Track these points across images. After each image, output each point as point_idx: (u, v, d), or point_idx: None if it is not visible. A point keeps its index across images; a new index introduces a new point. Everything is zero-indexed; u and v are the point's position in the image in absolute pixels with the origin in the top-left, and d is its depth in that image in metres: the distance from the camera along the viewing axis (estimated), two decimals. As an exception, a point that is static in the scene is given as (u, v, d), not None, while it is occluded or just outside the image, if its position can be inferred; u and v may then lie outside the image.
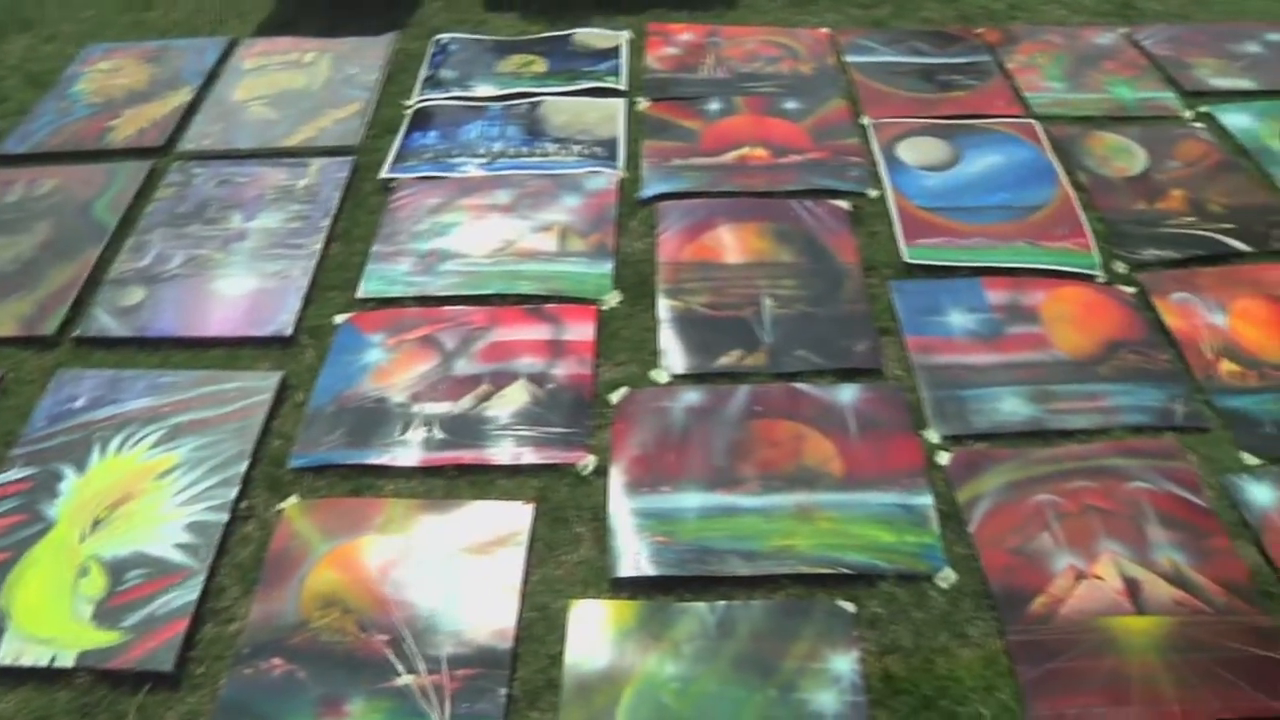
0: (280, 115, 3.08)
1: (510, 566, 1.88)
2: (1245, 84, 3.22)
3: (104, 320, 2.41)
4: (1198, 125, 3.03)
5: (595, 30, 3.41)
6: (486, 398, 2.17)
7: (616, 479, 2.01)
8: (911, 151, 2.87)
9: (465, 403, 2.17)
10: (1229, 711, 1.71)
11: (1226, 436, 2.16)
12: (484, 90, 3.13)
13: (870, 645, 1.78)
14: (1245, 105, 3.11)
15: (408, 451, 2.08)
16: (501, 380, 2.21)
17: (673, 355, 2.26)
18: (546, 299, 2.40)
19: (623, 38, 3.36)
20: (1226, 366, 2.29)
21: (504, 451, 2.07)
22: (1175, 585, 1.87)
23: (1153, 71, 3.26)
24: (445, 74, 3.22)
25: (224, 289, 2.48)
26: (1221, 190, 2.77)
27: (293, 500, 2.01)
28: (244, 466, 2.07)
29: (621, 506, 1.96)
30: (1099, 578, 1.88)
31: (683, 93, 3.10)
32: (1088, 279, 2.49)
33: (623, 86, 3.13)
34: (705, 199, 2.67)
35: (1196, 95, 3.16)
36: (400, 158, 2.86)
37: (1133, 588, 1.86)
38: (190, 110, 3.13)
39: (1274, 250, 2.59)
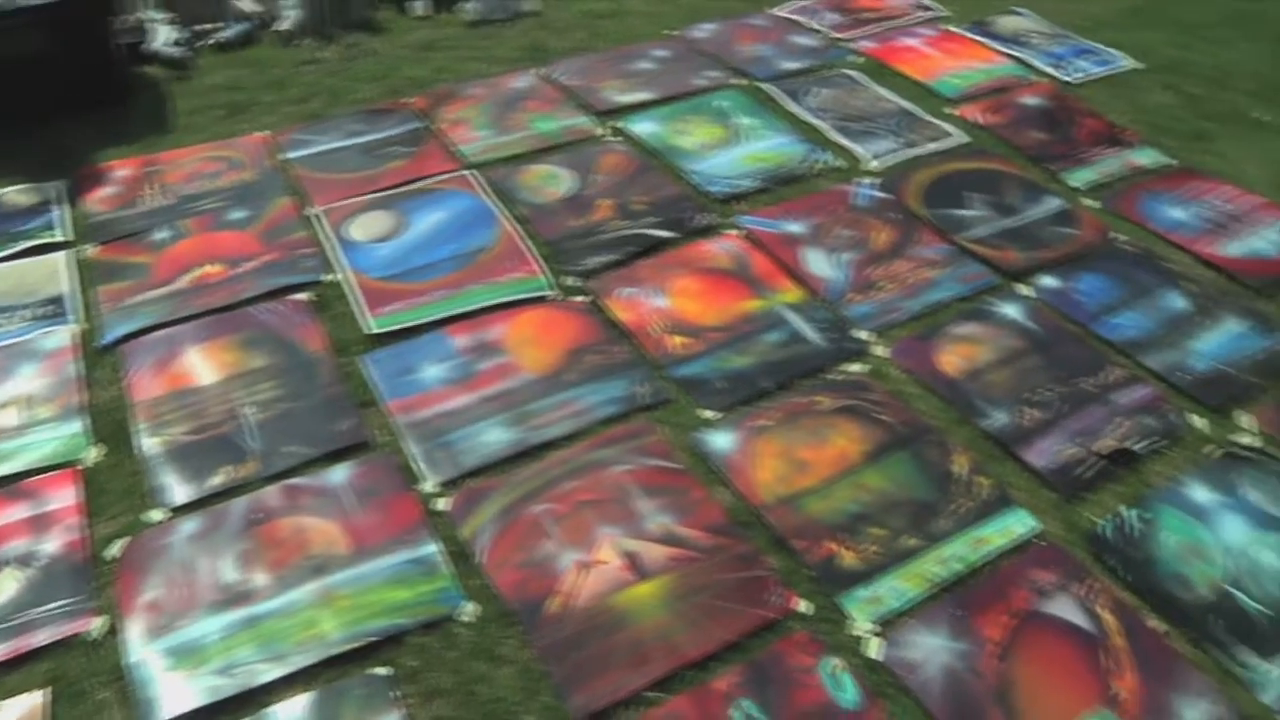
0: None
1: (37, 763, 1.80)
2: (645, 95, 3.65)
3: None
4: (613, 139, 3.40)
5: (20, 187, 3.21)
6: (-27, 599, 2.05)
7: (132, 631, 1.96)
8: (361, 228, 2.99)
9: (-49, 613, 2.03)
10: (734, 634, 1.94)
11: (688, 401, 2.45)
12: (-94, 280, 2.90)
13: (413, 699, 1.85)
14: (648, 113, 3.54)
15: (-106, 689, 1.92)
16: (-13, 575, 2.09)
17: (165, 491, 2.23)
18: (22, 475, 2.29)
19: (53, 189, 3.22)
20: (675, 340, 2.59)
21: (3, 649, 1.95)
22: (667, 545, 2.10)
23: (568, 101, 3.62)
24: None
25: None
26: (641, 190, 3.13)
27: None
28: None
29: (142, 656, 1.92)
30: (602, 562, 2.07)
31: (128, 229, 3.03)
32: (542, 300, 2.73)
33: (65, 238, 3.00)
34: (169, 328, 2.64)
35: (608, 114, 3.54)
36: None
37: (633, 560, 2.07)
38: None
39: (693, 231, 2.96)
